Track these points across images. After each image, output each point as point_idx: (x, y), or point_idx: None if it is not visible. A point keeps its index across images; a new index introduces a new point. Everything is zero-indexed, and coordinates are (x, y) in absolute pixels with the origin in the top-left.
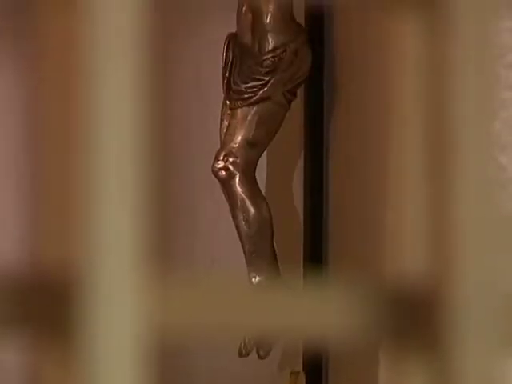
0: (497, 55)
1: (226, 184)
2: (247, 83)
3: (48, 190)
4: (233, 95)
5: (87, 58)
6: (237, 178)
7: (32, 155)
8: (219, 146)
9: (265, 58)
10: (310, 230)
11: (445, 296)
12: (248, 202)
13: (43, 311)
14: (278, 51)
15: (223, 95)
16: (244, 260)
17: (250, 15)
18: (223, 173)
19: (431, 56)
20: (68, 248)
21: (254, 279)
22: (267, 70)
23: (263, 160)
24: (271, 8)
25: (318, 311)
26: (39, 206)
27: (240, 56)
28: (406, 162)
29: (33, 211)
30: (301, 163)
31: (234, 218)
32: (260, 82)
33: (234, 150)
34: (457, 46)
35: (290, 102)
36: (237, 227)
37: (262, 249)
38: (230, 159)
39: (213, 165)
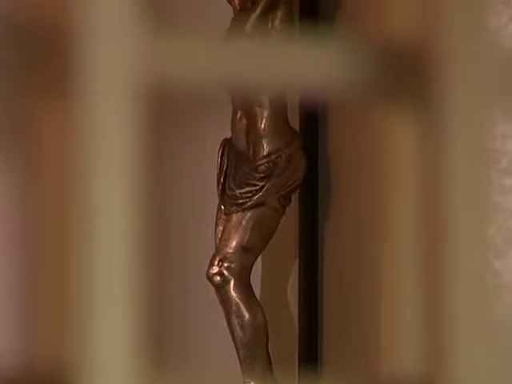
0: (491, 160)
1: (221, 289)
2: (242, 188)
3: (44, 299)
4: (228, 200)
5: (83, 166)
6: (231, 284)
7: (27, 259)
8: (214, 251)
9: (259, 163)
10: (306, 334)
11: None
12: (243, 308)
13: None
14: (273, 156)
15: (218, 200)
16: (239, 365)
17: (244, 121)
18: (218, 278)
19: (425, 159)
20: (62, 349)
21: None
22: (262, 175)
23: (258, 264)
24: (266, 113)
25: None
26: (34, 310)
27: (235, 161)
28: (400, 269)
29: (27, 316)
30: (295, 268)
31: (229, 323)
32: (255, 188)
33: (228, 256)
34: (451, 151)
35: (284, 207)
36: (231, 332)
37: (256, 354)
38: (225, 264)
39: (207, 270)
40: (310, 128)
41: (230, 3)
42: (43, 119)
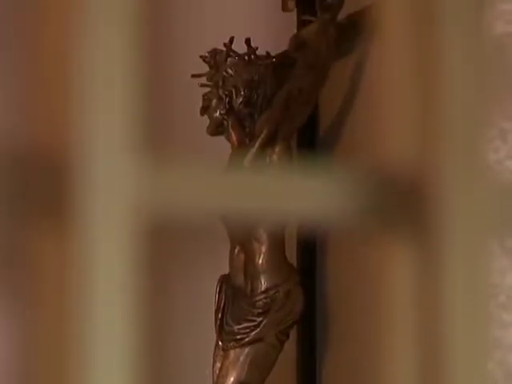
0: (489, 295)
1: None
2: (240, 324)
3: None
4: (225, 336)
5: (82, 296)
6: None
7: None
8: None
9: (257, 298)
10: None
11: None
12: None
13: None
14: (271, 292)
15: (216, 337)
16: None
17: (242, 256)
18: None
19: (423, 292)
20: None
21: None
22: (260, 310)
23: None
24: (264, 249)
25: None
26: None
27: (232, 297)
28: None
29: None
30: None
31: None
32: (252, 323)
33: None
34: (449, 284)
35: (282, 343)
36: None
37: None
38: None
39: None
40: (307, 261)
41: (228, 139)
42: (41, 248)
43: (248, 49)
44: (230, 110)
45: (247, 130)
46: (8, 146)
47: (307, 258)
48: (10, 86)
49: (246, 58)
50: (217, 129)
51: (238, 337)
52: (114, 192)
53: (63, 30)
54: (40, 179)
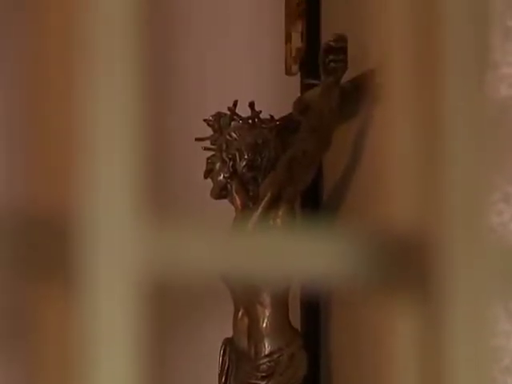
0: (493, 358)
1: None
2: None
3: None
4: None
5: (85, 359)
6: None
7: None
8: None
9: (261, 362)
10: None
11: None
12: None
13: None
14: (275, 356)
15: None
16: None
17: (246, 320)
18: None
19: (425, 355)
20: None
21: None
22: (263, 374)
23: None
24: (267, 313)
25: None
26: None
27: (236, 360)
28: None
29: None
30: None
31: None
32: None
33: None
34: (452, 348)
35: None
36: None
37: None
38: None
39: None
40: (311, 323)
41: (232, 203)
42: (44, 311)
43: (252, 112)
44: (234, 173)
45: (251, 193)
46: (10, 210)
47: (311, 321)
48: (12, 148)
49: (250, 121)
50: (220, 192)
51: None
52: (117, 255)
53: (66, 91)
54: (42, 242)
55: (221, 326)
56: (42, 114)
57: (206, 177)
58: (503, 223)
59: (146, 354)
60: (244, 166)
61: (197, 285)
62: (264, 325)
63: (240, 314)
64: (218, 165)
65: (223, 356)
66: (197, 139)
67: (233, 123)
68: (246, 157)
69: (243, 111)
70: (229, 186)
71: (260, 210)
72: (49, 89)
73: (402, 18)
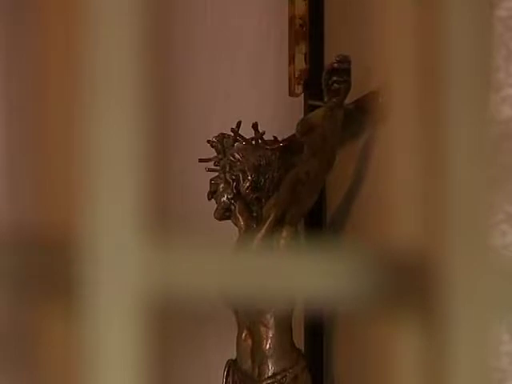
0: (496, 380)
1: None
2: None
3: None
4: None
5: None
6: None
7: None
8: None
9: (265, 383)
10: None
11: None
12: None
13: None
14: (278, 377)
15: None
16: None
17: (249, 341)
18: None
19: (428, 376)
20: None
21: None
22: None
23: None
24: (271, 334)
25: None
26: None
27: (240, 382)
28: None
29: None
30: None
31: None
32: None
33: None
34: (454, 370)
35: None
36: None
37: None
38: None
39: None
40: (315, 344)
41: (236, 224)
42: (47, 331)
43: (255, 133)
44: (237, 194)
45: (254, 214)
46: (12, 230)
47: (314, 341)
48: (14, 170)
49: (253, 142)
50: (224, 213)
51: None
52: (119, 276)
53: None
54: (44, 264)
55: (224, 348)
56: (44, 135)
57: (209, 198)
58: (506, 245)
59: (148, 375)
60: (247, 187)
61: (200, 305)
62: (268, 346)
63: (244, 335)
64: (221, 186)
65: (227, 377)
66: (200, 160)
67: (236, 144)
68: (249, 178)
69: (247, 132)
70: (232, 206)
71: (263, 231)
72: (51, 109)
73: (405, 39)
